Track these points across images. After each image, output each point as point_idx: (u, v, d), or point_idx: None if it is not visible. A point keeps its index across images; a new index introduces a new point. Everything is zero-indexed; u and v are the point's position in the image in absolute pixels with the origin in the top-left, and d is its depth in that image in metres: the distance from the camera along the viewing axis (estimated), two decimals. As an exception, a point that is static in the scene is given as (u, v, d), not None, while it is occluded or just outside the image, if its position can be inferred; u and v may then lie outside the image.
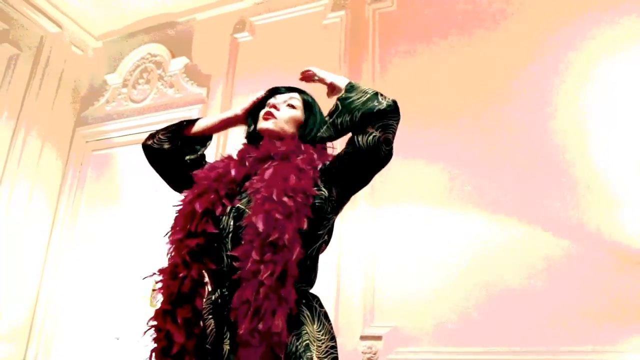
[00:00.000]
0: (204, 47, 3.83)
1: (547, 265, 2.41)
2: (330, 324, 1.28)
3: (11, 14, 3.72)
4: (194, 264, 1.25)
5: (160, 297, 1.26)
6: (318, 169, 1.31)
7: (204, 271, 1.28)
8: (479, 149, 2.73)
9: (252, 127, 1.48)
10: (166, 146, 1.46)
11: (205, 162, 1.49)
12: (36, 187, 3.64)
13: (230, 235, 1.26)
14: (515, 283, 2.44)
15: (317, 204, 1.25)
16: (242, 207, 1.27)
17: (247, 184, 1.31)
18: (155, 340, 1.23)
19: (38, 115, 3.74)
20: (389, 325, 2.59)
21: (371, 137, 1.26)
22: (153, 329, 1.24)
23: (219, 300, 1.24)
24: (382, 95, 1.31)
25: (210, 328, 1.23)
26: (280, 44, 3.54)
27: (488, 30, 2.98)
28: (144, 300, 3.03)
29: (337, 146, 1.43)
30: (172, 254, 1.28)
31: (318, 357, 1.18)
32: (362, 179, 1.34)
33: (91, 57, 4.24)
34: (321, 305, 1.29)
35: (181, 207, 1.32)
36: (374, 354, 2.55)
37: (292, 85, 1.50)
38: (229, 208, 1.30)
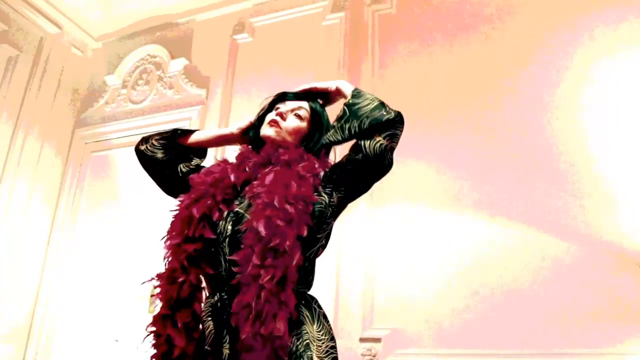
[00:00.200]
0: (203, 48, 3.83)
1: (546, 267, 2.41)
2: (330, 325, 1.29)
3: (11, 14, 3.72)
4: (192, 268, 1.25)
5: (158, 303, 1.26)
6: (319, 175, 1.31)
7: (201, 276, 1.28)
8: (478, 150, 2.73)
9: (256, 129, 1.47)
10: (159, 155, 1.45)
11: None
12: (35, 188, 3.64)
13: (227, 239, 1.26)
14: (515, 285, 2.43)
15: (317, 210, 1.26)
16: (241, 211, 1.27)
17: (246, 188, 1.30)
18: (155, 345, 1.23)
19: (37, 116, 3.74)
20: (388, 327, 2.58)
21: (378, 144, 1.27)
22: (152, 334, 1.24)
23: (219, 304, 1.24)
24: (387, 105, 1.33)
25: (208, 330, 1.23)
26: (279, 45, 3.54)
27: (487, 32, 2.98)
28: (143, 302, 3.03)
29: (337, 152, 1.44)
30: (170, 259, 1.28)
31: (318, 357, 1.18)
32: (363, 185, 1.35)
33: (91, 58, 4.24)
34: (320, 307, 1.29)
35: (178, 211, 1.32)
36: (374, 356, 2.54)
37: (301, 91, 1.48)
38: (226, 213, 1.29)
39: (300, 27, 3.53)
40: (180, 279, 1.24)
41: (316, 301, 1.29)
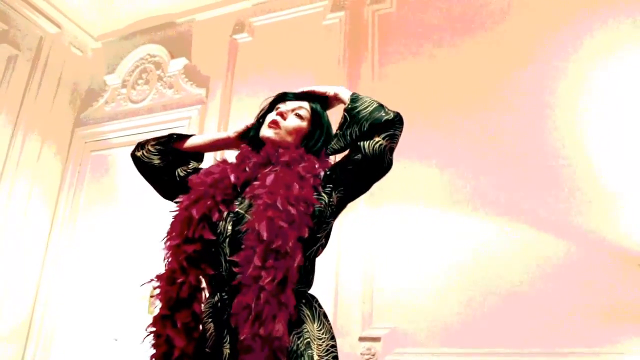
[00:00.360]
0: (203, 48, 3.83)
1: (546, 267, 2.41)
2: (330, 324, 1.29)
3: (10, 14, 3.72)
4: (191, 269, 1.26)
5: (158, 303, 1.26)
6: (319, 176, 1.32)
7: (201, 276, 1.29)
8: (478, 150, 2.73)
9: (255, 130, 1.47)
10: (156, 162, 1.45)
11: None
12: (35, 187, 3.64)
13: (227, 240, 1.26)
14: (514, 284, 2.44)
15: (317, 210, 1.26)
16: (242, 211, 1.27)
17: (247, 189, 1.30)
18: (155, 345, 1.24)
19: (37, 116, 3.73)
20: (388, 326, 2.59)
21: (377, 144, 1.28)
22: (152, 335, 1.25)
23: (219, 304, 1.24)
24: (386, 107, 1.34)
25: (209, 332, 1.23)
26: (279, 45, 3.54)
27: (487, 32, 2.98)
28: (142, 302, 3.03)
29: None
30: (170, 259, 1.28)
31: (319, 356, 1.19)
32: (362, 186, 1.36)
33: (90, 58, 4.24)
34: (320, 306, 1.30)
35: (177, 212, 1.32)
36: (373, 355, 2.55)
37: (302, 91, 1.48)
38: (226, 213, 1.30)
39: (300, 27, 3.53)
40: (180, 280, 1.24)
41: (317, 300, 1.30)
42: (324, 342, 1.22)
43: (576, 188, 2.48)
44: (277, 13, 3.64)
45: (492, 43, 2.93)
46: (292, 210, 1.20)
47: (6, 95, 3.62)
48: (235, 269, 1.20)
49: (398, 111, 1.33)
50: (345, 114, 1.34)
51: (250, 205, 1.26)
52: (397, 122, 1.31)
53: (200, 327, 1.26)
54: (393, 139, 1.31)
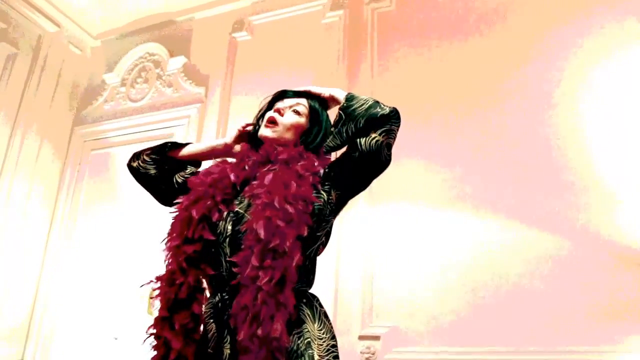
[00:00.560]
0: (202, 46, 3.82)
1: (546, 265, 2.41)
2: (330, 323, 1.29)
3: (9, 12, 3.71)
4: (190, 270, 1.25)
5: (158, 304, 1.26)
6: (318, 174, 1.31)
7: (202, 277, 1.28)
8: (478, 149, 2.73)
9: (255, 129, 1.47)
10: (152, 172, 1.46)
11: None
12: (34, 186, 3.64)
13: (228, 239, 1.26)
14: (513, 283, 2.44)
15: (316, 208, 1.26)
16: (241, 211, 1.27)
17: (246, 188, 1.30)
18: (155, 347, 1.24)
19: (36, 115, 3.73)
20: (388, 325, 2.59)
21: (374, 140, 1.28)
22: (153, 336, 1.25)
23: (220, 304, 1.24)
24: (382, 103, 1.34)
25: (211, 332, 1.23)
26: (278, 43, 3.54)
27: (487, 31, 2.97)
28: (142, 301, 3.03)
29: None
30: (170, 260, 1.28)
31: (319, 356, 1.19)
32: (361, 182, 1.36)
33: (89, 56, 4.24)
34: (321, 305, 1.30)
35: (177, 213, 1.32)
36: (373, 354, 2.55)
37: (300, 89, 1.48)
38: (226, 213, 1.29)
39: (300, 25, 3.53)
40: (179, 281, 1.24)
41: (317, 299, 1.30)
42: (324, 341, 1.22)
43: (576, 187, 2.48)
44: (277, 11, 3.63)
45: (492, 42, 2.93)
46: (290, 209, 1.19)
47: (5, 94, 3.61)
48: (234, 269, 1.20)
49: (395, 106, 1.33)
50: (341, 112, 1.34)
51: (249, 205, 1.26)
52: (393, 117, 1.31)
53: (202, 327, 1.26)
54: (390, 134, 1.30)
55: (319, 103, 1.46)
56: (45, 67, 3.84)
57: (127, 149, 3.67)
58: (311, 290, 1.32)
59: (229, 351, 1.18)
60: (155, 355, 1.23)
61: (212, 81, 3.63)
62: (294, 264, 1.16)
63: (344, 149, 1.35)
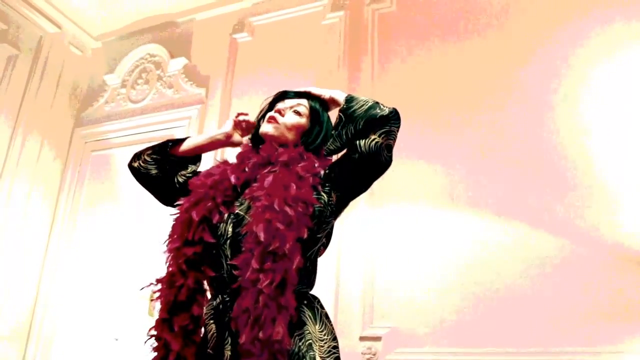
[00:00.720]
0: (203, 47, 3.82)
1: (546, 266, 2.41)
2: (332, 325, 1.29)
3: (10, 14, 3.72)
4: (190, 272, 1.25)
5: (158, 306, 1.26)
6: (319, 175, 1.31)
7: (203, 279, 1.28)
8: (478, 149, 2.73)
9: (256, 129, 1.47)
10: (153, 172, 1.45)
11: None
12: (35, 187, 3.64)
13: (228, 241, 1.26)
14: (514, 283, 2.44)
15: (316, 210, 1.25)
16: (242, 213, 1.27)
17: (246, 190, 1.30)
18: (155, 349, 1.24)
19: (37, 116, 3.73)
20: (388, 326, 2.59)
21: (373, 142, 1.27)
22: (153, 338, 1.25)
23: (220, 306, 1.24)
24: (382, 104, 1.33)
25: (211, 333, 1.23)
26: (279, 44, 3.54)
27: (487, 31, 2.97)
28: (143, 302, 3.03)
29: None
30: (170, 262, 1.28)
31: (321, 357, 1.19)
32: (361, 184, 1.35)
33: (90, 58, 4.24)
34: (322, 306, 1.30)
35: (178, 215, 1.32)
36: (374, 354, 2.55)
37: (301, 90, 1.48)
38: (226, 215, 1.29)
39: (300, 26, 3.53)
40: (179, 283, 1.24)
41: (318, 301, 1.30)
42: (325, 343, 1.22)
43: (576, 187, 2.48)
44: (277, 12, 3.64)
45: (493, 42, 2.93)
46: (290, 212, 1.19)
47: (6, 95, 3.62)
48: (235, 272, 1.20)
49: (394, 107, 1.32)
50: (341, 114, 1.34)
51: (249, 207, 1.26)
52: (392, 118, 1.30)
53: (202, 329, 1.26)
54: (389, 136, 1.29)
55: (319, 104, 1.46)
56: (46, 69, 3.84)
57: (127, 150, 3.67)
58: (312, 292, 1.31)
59: (229, 353, 1.18)
60: (154, 357, 1.24)
61: (212, 82, 3.63)
62: (294, 266, 1.15)
63: (344, 151, 1.34)
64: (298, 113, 1.42)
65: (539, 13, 2.89)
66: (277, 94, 1.49)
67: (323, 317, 1.26)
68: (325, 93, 1.45)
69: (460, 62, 2.96)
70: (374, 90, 3.04)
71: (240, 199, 1.31)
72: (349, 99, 1.35)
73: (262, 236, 1.16)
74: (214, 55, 3.70)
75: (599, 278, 2.31)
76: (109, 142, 3.86)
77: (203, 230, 1.27)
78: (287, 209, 1.19)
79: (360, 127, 1.29)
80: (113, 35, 4.21)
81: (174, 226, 1.31)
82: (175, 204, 1.37)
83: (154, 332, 1.25)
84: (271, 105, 1.48)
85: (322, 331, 1.23)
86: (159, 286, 1.28)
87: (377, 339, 2.57)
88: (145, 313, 2.99)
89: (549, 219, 2.47)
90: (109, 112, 3.93)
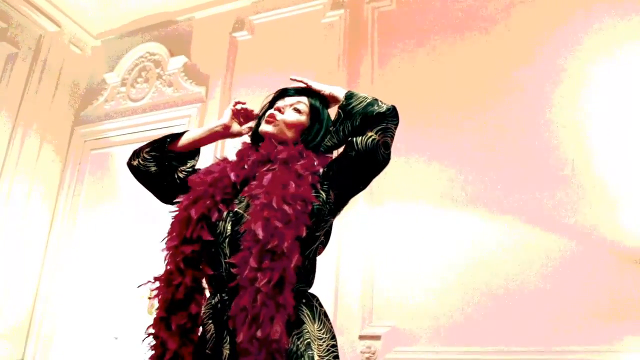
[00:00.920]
0: (202, 46, 3.82)
1: (546, 265, 2.41)
2: (330, 323, 1.28)
3: (9, 12, 3.71)
4: (188, 270, 1.25)
5: (156, 304, 1.26)
6: (318, 173, 1.30)
7: (202, 277, 1.28)
8: (478, 148, 2.72)
9: (256, 127, 1.47)
10: (153, 169, 1.43)
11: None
12: (34, 186, 3.64)
13: (227, 239, 1.25)
14: (514, 283, 2.44)
15: (315, 208, 1.25)
16: (241, 211, 1.26)
17: (245, 188, 1.30)
18: (152, 347, 1.24)
19: (36, 114, 3.73)
20: (388, 324, 2.59)
21: (370, 139, 1.26)
22: (151, 336, 1.25)
23: (219, 305, 1.23)
24: (381, 100, 1.32)
25: (210, 333, 1.23)
26: (279, 42, 3.54)
27: (487, 30, 2.97)
28: (142, 300, 3.03)
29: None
30: (168, 260, 1.27)
31: (319, 356, 1.18)
32: (359, 182, 1.33)
33: (90, 56, 4.24)
34: (321, 305, 1.29)
35: (177, 213, 1.31)
36: (373, 353, 2.55)
37: (301, 87, 1.47)
38: (225, 213, 1.29)
39: (300, 25, 3.52)
40: (176, 282, 1.24)
41: (317, 299, 1.29)
42: (324, 342, 1.21)
43: (576, 186, 2.48)
44: (277, 11, 3.63)
45: (493, 41, 2.93)
46: (289, 210, 1.18)
47: (5, 94, 3.61)
48: (233, 270, 1.19)
49: (393, 105, 1.31)
50: (340, 110, 1.33)
51: (249, 205, 1.25)
52: (389, 115, 1.29)
53: (201, 328, 1.25)
54: (386, 133, 1.27)
55: (320, 101, 1.45)
56: (46, 67, 3.84)
57: (127, 149, 3.63)
58: (311, 290, 1.31)
59: (228, 352, 1.18)
60: (152, 355, 1.23)
61: (212, 81, 3.63)
62: (292, 264, 1.15)
63: (342, 148, 1.33)
64: (298, 111, 1.41)
65: (539, 11, 2.89)
66: (277, 91, 1.49)
67: (322, 316, 1.26)
68: (326, 89, 1.44)
69: (460, 60, 2.96)
70: (374, 89, 3.03)
71: (239, 197, 1.31)
72: (349, 96, 1.35)
73: (260, 234, 1.15)
74: (214, 53, 3.70)
75: (600, 277, 2.31)
76: (109, 140, 3.86)
77: (202, 228, 1.26)
78: (286, 207, 1.19)
79: (357, 123, 1.28)
80: (113, 33, 4.21)
81: (172, 224, 1.31)
82: (174, 201, 1.36)
83: (151, 331, 1.25)
84: (271, 103, 1.47)
85: (320, 330, 1.22)
86: (157, 284, 1.28)
87: (376, 337, 2.57)
88: (144, 312, 2.99)
89: (549, 218, 2.47)
90: (108, 110, 3.93)
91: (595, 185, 2.45)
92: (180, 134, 1.49)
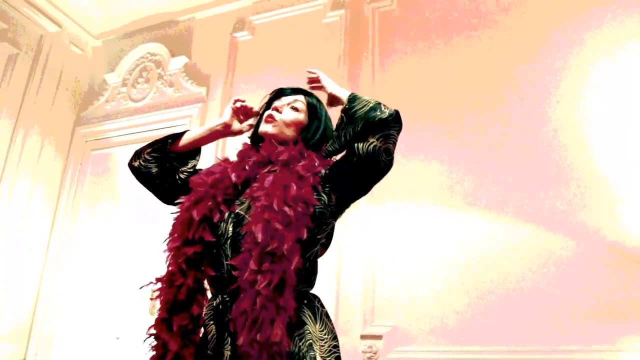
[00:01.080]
0: (203, 46, 3.82)
1: (547, 265, 2.41)
2: (332, 324, 1.28)
3: (10, 13, 3.71)
4: (190, 271, 1.25)
5: (158, 305, 1.26)
6: (319, 174, 1.29)
7: (203, 278, 1.28)
8: (479, 148, 2.72)
9: (256, 128, 1.47)
10: (154, 170, 1.43)
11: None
12: (36, 186, 3.64)
13: (229, 241, 1.25)
14: (514, 282, 2.44)
15: (317, 211, 1.24)
16: (242, 213, 1.26)
17: (247, 190, 1.29)
18: (153, 348, 1.24)
19: (37, 115, 3.73)
20: (389, 324, 2.59)
21: (371, 146, 1.23)
22: (153, 337, 1.25)
23: (220, 306, 1.23)
24: (384, 105, 1.28)
25: (211, 334, 1.23)
26: (279, 43, 3.54)
27: (488, 29, 2.97)
28: (144, 300, 3.03)
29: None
30: (170, 262, 1.27)
31: (321, 357, 1.18)
32: (361, 187, 1.32)
33: (90, 56, 4.24)
34: (322, 305, 1.29)
35: (179, 214, 1.31)
36: (374, 353, 2.55)
37: (298, 87, 1.47)
38: (227, 214, 1.29)
39: (301, 25, 3.52)
40: (178, 283, 1.24)
41: (319, 300, 1.29)
42: (326, 342, 1.21)
43: (577, 186, 2.48)
44: (278, 11, 3.64)
45: (494, 40, 2.92)
46: (289, 212, 1.18)
47: (6, 94, 3.62)
48: (234, 273, 1.19)
49: (396, 109, 1.28)
50: (342, 114, 1.31)
51: (250, 207, 1.25)
52: (391, 121, 1.25)
53: (202, 329, 1.25)
54: (388, 139, 1.25)
55: (316, 99, 1.45)
56: (47, 67, 3.84)
57: (128, 149, 3.67)
58: (313, 291, 1.31)
59: (229, 353, 1.17)
60: (153, 356, 1.23)
61: (213, 81, 3.63)
62: (292, 267, 1.14)
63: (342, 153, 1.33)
64: (295, 109, 1.42)
65: (540, 11, 2.89)
66: (274, 92, 1.49)
67: (323, 317, 1.26)
68: (329, 87, 1.42)
69: (460, 60, 2.95)
70: (374, 89, 3.03)
71: (240, 198, 1.30)
72: (352, 99, 1.31)
73: (260, 237, 1.15)
74: (215, 53, 3.70)
75: (600, 277, 2.31)
76: (110, 141, 3.86)
77: (203, 229, 1.26)
78: (286, 209, 1.18)
79: (359, 129, 1.25)
80: (113, 34, 4.21)
81: (174, 225, 1.30)
82: (175, 202, 1.36)
83: (152, 331, 1.25)
84: (268, 104, 1.47)
85: (322, 331, 1.22)
86: (159, 285, 1.28)
87: (378, 337, 2.57)
88: (146, 312, 3.00)
89: (549, 218, 2.47)
90: (109, 111, 3.93)
91: (595, 185, 2.45)
92: (181, 134, 1.48)
